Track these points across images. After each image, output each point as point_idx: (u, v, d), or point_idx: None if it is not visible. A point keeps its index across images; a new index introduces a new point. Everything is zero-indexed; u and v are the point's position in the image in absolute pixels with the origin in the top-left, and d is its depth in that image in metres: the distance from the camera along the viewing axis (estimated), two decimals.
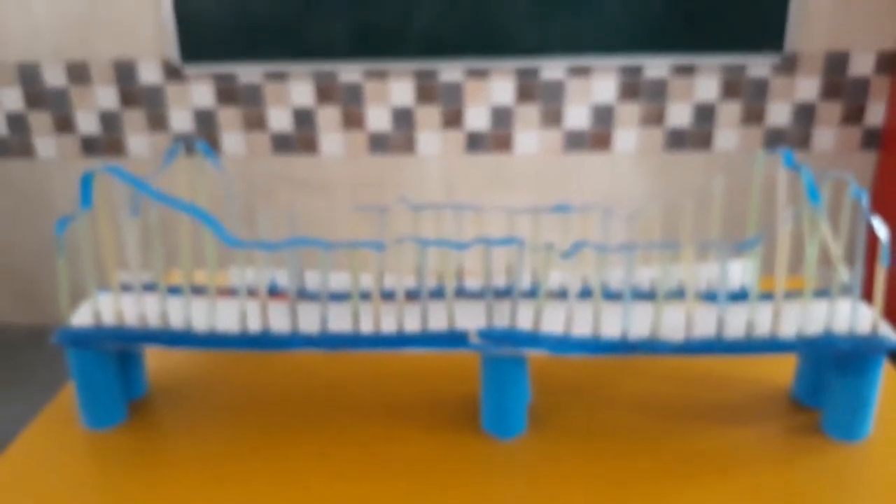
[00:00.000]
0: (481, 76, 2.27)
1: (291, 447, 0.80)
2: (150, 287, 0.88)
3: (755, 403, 0.86)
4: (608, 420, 0.83)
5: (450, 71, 2.27)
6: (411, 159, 2.38)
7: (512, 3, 2.14)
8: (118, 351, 0.83)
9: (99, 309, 0.80)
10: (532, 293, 0.87)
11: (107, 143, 2.40)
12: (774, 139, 2.30)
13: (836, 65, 2.21)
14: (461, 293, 0.87)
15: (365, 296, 0.85)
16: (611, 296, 0.86)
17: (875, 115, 2.26)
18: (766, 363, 0.94)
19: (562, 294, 0.86)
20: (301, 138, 2.38)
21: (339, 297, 0.87)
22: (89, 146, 2.40)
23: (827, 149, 2.30)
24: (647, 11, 2.14)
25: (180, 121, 2.36)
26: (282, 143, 2.38)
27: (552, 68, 2.25)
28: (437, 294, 0.86)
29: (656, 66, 2.24)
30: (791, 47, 2.16)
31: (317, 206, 2.44)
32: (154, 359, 0.97)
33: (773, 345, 0.75)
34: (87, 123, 2.38)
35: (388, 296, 0.86)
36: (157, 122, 2.36)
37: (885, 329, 0.76)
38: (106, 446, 0.81)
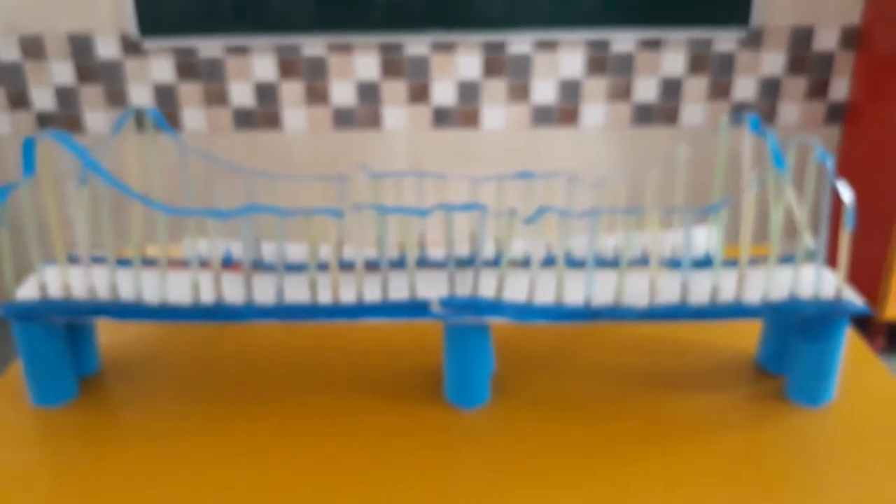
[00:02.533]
0: (448, 50, 2.23)
1: (249, 421, 0.78)
2: (98, 259, 0.85)
3: (720, 370, 0.85)
4: (572, 388, 0.82)
5: (415, 45, 2.23)
6: (377, 134, 2.35)
7: None
8: (67, 325, 0.80)
9: (45, 281, 0.76)
10: (495, 262, 0.85)
11: (63, 119, 2.33)
12: (740, 113, 2.30)
13: (800, 40, 2.21)
14: (423, 263, 0.85)
15: (323, 266, 0.83)
16: (574, 263, 0.85)
17: (839, 89, 2.27)
18: (731, 330, 0.93)
19: (525, 262, 0.85)
20: (264, 113, 2.33)
21: (296, 268, 0.84)
22: (45, 122, 2.33)
23: (792, 122, 2.31)
24: None
25: (139, 96, 2.30)
26: (244, 119, 2.33)
27: (519, 42, 2.22)
28: (399, 264, 0.84)
29: (623, 41, 2.22)
30: (757, 22, 2.16)
31: (279, 182, 2.41)
32: (107, 334, 0.94)
33: (737, 310, 0.75)
34: (43, 99, 2.30)
35: (347, 266, 0.84)
36: (116, 97, 2.30)
37: (848, 294, 0.75)
38: (56, 424, 0.78)
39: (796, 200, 0.69)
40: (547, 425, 0.76)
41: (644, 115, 2.31)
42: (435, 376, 0.84)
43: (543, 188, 0.84)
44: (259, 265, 0.84)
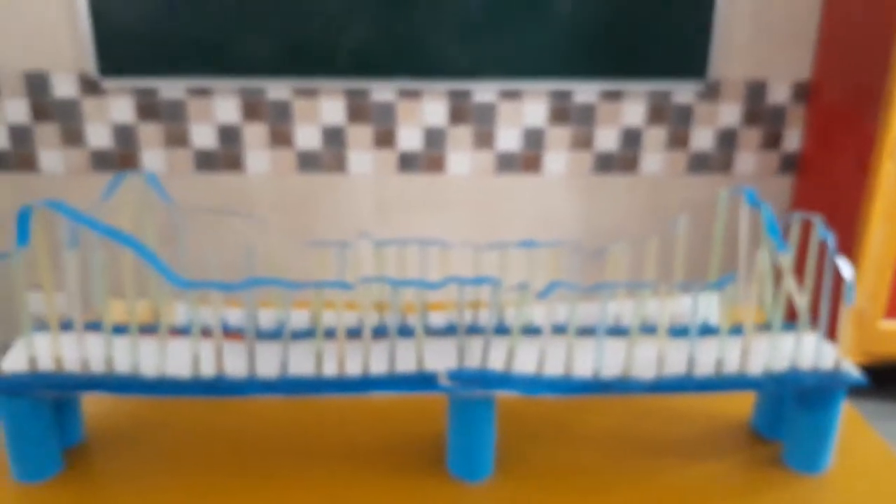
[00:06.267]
0: (413, 97, 2.25)
1: (247, 496, 0.75)
2: (91, 327, 0.81)
3: (717, 436, 0.86)
4: (572, 458, 0.82)
5: (381, 91, 2.24)
6: (342, 178, 2.34)
7: (443, 25, 2.14)
8: (55, 398, 0.77)
9: (35, 353, 0.73)
10: (498, 330, 0.84)
11: (17, 158, 2.26)
12: (698, 163, 2.36)
13: (755, 93, 2.29)
14: (427, 330, 0.84)
15: (328, 335, 0.81)
16: (579, 332, 0.85)
17: (791, 140, 2.35)
18: (723, 395, 0.94)
19: (530, 332, 0.85)
20: (226, 156, 2.30)
21: (297, 335, 0.82)
22: None
23: (747, 172, 2.38)
24: (576, 38, 2.17)
25: (98, 136, 2.24)
26: (205, 161, 2.30)
27: (484, 91, 2.25)
28: (402, 331, 0.83)
29: (585, 92, 2.27)
30: (714, 75, 2.23)
31: (242, 225, 2.37)
32: (91, 401, 0.90)
33: (741, 382, 0.76)
34: None
35: (351, 334, 0.83)
36: (73, 137, 2.24)
37: (846, 365, 0.77)
38: (41, 501, 0.74)
39: (794, 283, 0.71)
40: (548, 496, 0.75)
41: (604, 163, 2.36)
42: (437, 447, 0.83)
43: (546, 256, 0.85)
44: (259, 334, 0.82)
